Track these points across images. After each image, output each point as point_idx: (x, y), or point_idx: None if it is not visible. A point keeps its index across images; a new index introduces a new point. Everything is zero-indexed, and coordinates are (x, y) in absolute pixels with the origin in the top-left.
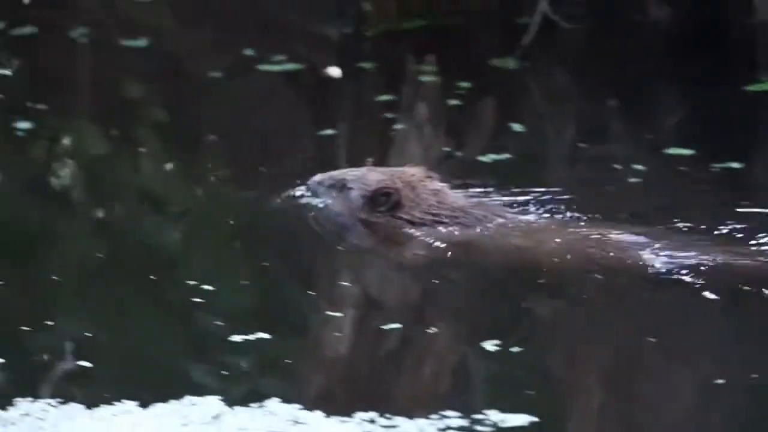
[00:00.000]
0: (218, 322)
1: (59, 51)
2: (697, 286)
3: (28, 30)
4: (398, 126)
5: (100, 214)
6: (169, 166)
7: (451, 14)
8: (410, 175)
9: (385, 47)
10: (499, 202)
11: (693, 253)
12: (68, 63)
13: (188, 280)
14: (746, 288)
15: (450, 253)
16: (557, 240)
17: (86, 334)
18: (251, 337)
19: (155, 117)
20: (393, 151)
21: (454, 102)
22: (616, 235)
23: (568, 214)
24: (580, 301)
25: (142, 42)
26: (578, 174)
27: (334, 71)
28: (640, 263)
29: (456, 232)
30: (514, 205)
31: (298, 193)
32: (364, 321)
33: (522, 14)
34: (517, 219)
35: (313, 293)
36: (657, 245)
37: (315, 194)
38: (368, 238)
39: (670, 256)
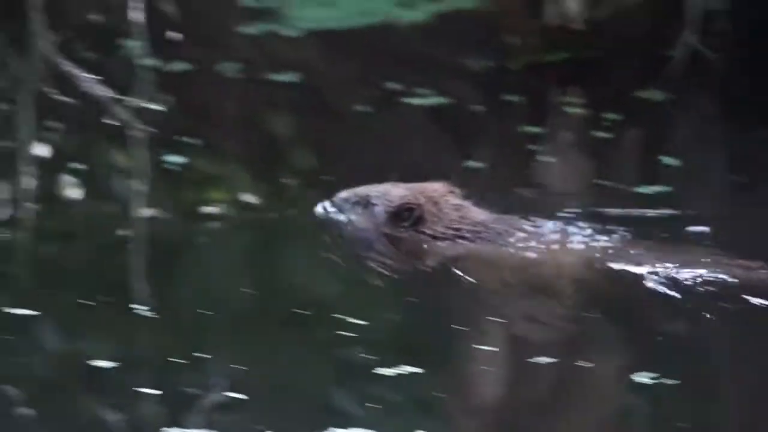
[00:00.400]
0: (365, 355)
1: (210, 86)
2: None
3: (181, 66)
4: (546, 157)
5: (250, 248)
6: (316, 199)
7: (594, 46)
8: (433, 190)
9: (529, 79)
10: (517, 217)
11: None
12: (219, 98)
13: (336, 313)
14: None
15: (473, 266)
16: (575, 254)
17: (237, 366)
18: (398, 370)
19: (303, 151)
20: (541, 182)
21: (601, 134)
22: (632, 252)
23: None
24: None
25: (290, 77)
26: (729, 205)
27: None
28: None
29: (477, 247)
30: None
31: (324, 210)
32: (510, 354)
33: (666, 45)
34: (538, 233)
35: (457, 327)
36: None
37: (341, 210)
38: (392, 253)
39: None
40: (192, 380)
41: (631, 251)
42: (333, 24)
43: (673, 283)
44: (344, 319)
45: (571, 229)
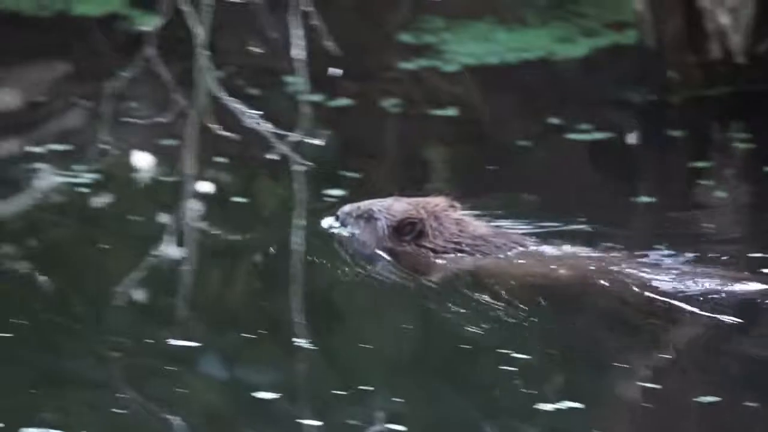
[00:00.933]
0: (526, 390)
1: (371, 121)
2: None
3: (343, 102)
4: (717, 193)
5: (408, 282)
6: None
7: (757, 80)
8: (434, 205)
9: (691, 114)
10: (519, 231)
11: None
12: (379, 133)
13: (498, 348)
14: None
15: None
16: (570, 268)
17: (397, 399)
18: (559, 405)
19: (462, 185)
20: (714, 217)
21: None
22: (626, 265)
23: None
24: None
25: (450, 111)
26: None
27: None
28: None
29: (476, 260)
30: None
31: (328, 225)
32: (673, 391)
33: None
34: (534, 248)
35: (617, 363)
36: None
37: (344, 224)
38: (394, 266)
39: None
40: (353, 412)
41: (628, 268)
42: (491, 59)
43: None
44: (507, 354)
45: (569, 245)
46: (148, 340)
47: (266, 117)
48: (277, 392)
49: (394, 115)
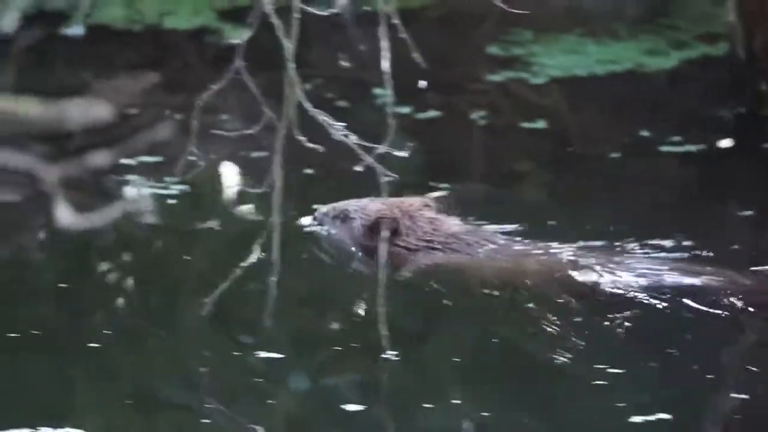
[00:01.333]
0: (619, 404)
1: (458, 133)
2: None
3: (431, 114)
4: None
5: (499, 295)
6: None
7: None
8: (409, 205)
9: None
10: (491, 230)
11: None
12: (467, 145)
13: (594, 363)
14: None
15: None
16: (535, 263)
17: (484, 413)
18: (650, 417)
19: (551, 198)
20: None
21: None
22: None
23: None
24: None
25: (538, 124)
26: None
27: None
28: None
29: (446, 256)
30: None
31: (306, 224)
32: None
33: None
34: (505, 245)
35: (711, 374)
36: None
37: (321, 224)
38: (369, 263)
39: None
40: (439, 425)
41: (598, 262)
42: (579, 71)
43: (632, 288)
44: (600, 368)
45: (542, 243)
46: (235, 353)
47: (354, 129)
48: (364, 404)
49: (482, 127)
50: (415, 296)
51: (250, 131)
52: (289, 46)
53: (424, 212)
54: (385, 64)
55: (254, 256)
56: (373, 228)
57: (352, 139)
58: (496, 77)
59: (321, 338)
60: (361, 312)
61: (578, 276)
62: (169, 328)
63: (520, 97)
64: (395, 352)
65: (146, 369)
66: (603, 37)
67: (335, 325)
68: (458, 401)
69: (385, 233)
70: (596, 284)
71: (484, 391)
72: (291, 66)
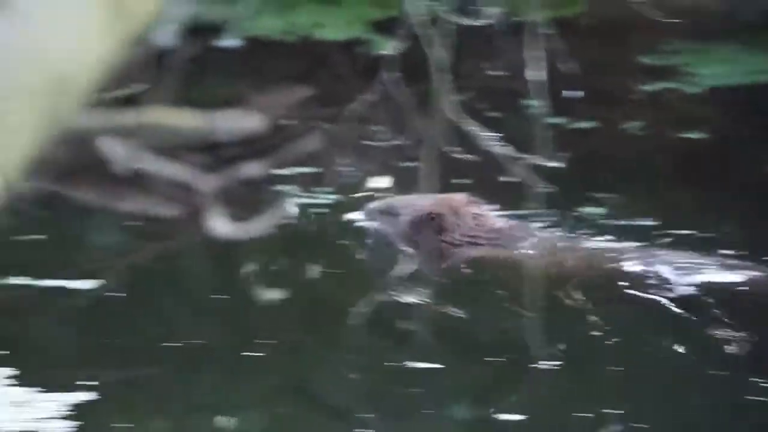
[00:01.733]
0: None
1: (615, 144)
2: None
3: (586, 124)
4: None
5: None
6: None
7: None
8: (455, 201)
9: None
10: (535, 225)
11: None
12: (623, 154)
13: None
14: None
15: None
16: (576, 258)
17: (640, 425)
18: None
19: (710, 211)
20: None
21: None
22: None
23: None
24: None
25: (695, 134)
26: None
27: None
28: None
29: (489, 250)
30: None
31: (355, 219)
32: None
33: None
34: (546, 239)
35: None
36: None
37: (371, 219)
38: (415, 258)
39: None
40: None
41: (634, 255)
42: (736, 80)
43: (676, 284)
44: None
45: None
46: (389, 363)
47: (506, 139)
48: (521, 414)
49: (637, 137)
50: (559, 304)
51: (400, 142)
52: (439, 56)
53: (470, 208)
54: (537, 74)
55: (408, 267)
56: (420, 223)
57: (503, 149)
58: (651, 87)
59: (476, 348)
60: (511, 320)
61: (618, 269)
62: (327, 337)
63: (676, 107)
64: (552, 361)
65: (308, 380)
66: (759, 46)
67: (487, 334)
68: (622, 411)
69: (431, 229)
70: (639, 276)
71: (647, 402)
72: (441, 76)
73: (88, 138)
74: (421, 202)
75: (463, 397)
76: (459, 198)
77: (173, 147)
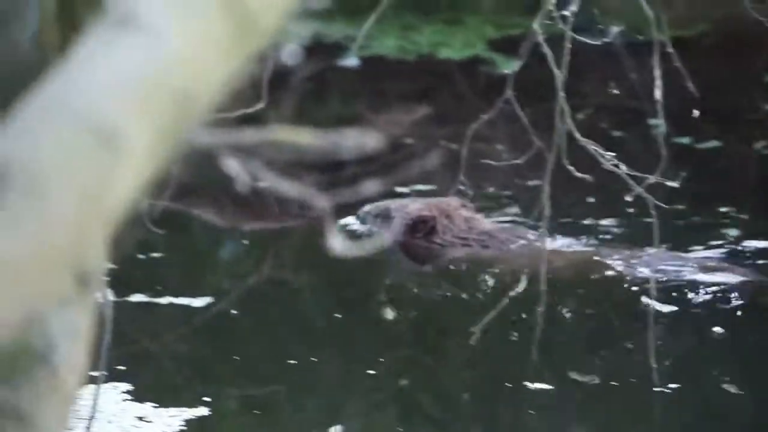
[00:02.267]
0: None
1: (740, 163)
2: None
3: (711, 144)
4: None
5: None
6: None
7: None
8: (447, 204)
9: None
10: (524, 228)
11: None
12: (749, 174)
13: None
14: None
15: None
16: (563, 259)
17: None
18: None
19: None
20: None
21: None
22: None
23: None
24: None
25: None
26: None
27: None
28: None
29: (478, 251)
30: None
31: (348, 222)
32: None
33: None
34: (536, 242)
35: None
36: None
37: (364, 222)
38: (407, 259)
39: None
40: None
41: (620, 257)
42: None
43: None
44: None
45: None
46: (507, 384)
47: (627, 159)
48: None
49: (762, 156)
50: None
51: (519, 161)
52: (560, 75)
53: (462, 212)
54: (658, 93)
55: (521, 285)
56: (412, 226)
57: (622, 168)
58: None
59: (589, 370)
60: (629, 342)
61: (603, 271)
62: (431, 355)
63: None
64: (667, 385)
65: (411, 396)
66: None
67: (605, 357)
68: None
69: (422, 232)
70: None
71: None
72: (561, 95)
73: (209, 156)
74: (414, 205)
75: (581, 418)
76: (451, 201)
77: (293, 166)
